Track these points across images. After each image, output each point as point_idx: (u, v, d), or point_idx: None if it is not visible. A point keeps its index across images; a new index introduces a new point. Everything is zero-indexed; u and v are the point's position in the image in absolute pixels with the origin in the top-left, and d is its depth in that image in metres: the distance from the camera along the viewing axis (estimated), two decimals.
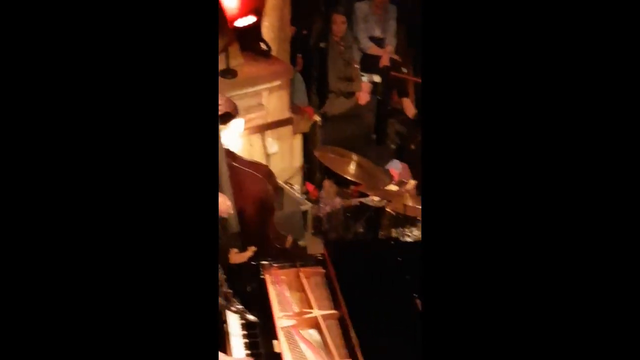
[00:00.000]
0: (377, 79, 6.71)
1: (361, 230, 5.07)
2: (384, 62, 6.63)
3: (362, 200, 5.32)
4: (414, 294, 2.99)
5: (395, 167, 6.00)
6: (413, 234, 4.78)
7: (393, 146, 6.70)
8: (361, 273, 3.20)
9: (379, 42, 6.77)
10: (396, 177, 5.70)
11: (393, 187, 5.17)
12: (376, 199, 5.09)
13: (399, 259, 3.24)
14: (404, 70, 6.83)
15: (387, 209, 4.89)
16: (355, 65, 6.64)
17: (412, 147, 6.55)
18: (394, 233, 4.80)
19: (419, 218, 4.81)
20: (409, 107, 6.86)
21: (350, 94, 6.56)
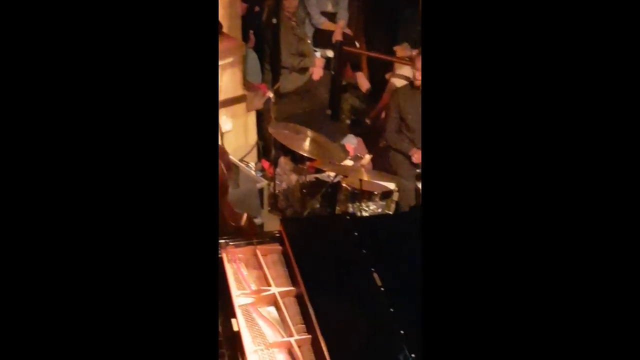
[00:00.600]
0: (330, 54, 6.67)
1: (317, 206, 5.06)
2: (337, 36, 6.59)
3: (318, 176, 5.30)
4: (372, 268, 2.98)
5: (351, 142, 5.99)
6: (370, 209, 4.79)
7: (348, 121, 6.68)
8: (318, 249, 3.18)
9: (331, 16, 6.72)
10: (352, 152, 5.69)
11: (349, 162, 5.16)
12: (332, 174, 5.08)
13: (355, 233, 3.22)
14: (357, 44, 6.80)
15: (343, 184, 4.88)
16: (308, 41, 6.59)
17: (367, 121, 6.55)
18: (350, 208, 4.80)
19: (375, 192, 4.81)
20: (363, 82, 6.85)
21: (304, 70, 6.51)
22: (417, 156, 5.21)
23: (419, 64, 5.17)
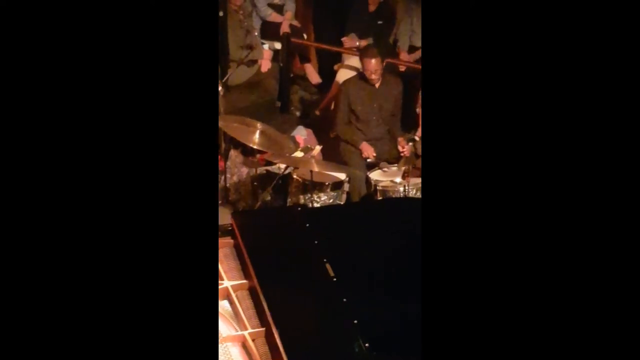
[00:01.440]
0: (278, 46, 6.64)
1: (269, 198, 5.04)
2: (284, 28, 6.56)
3: (269, 168, 5.28)
4: (324, 259, 2.97)
5: (301, 133, 5.98)
6: (321, 200, 4.79)
7: (297, 113, 6.67)
8: (270, 241, 3.16)
9: (278, 8, 6.68)
10: (302, 144, 5.68)
11: (299, 154, 5.15)
12: (282, 166, 5.06)
13: (307, 225, 3.21)
14: (305, 36, 6.78)
15: (294, 176, 4.87)
16: (256, 33, 6.54)
17: (317, 112, 6.54)
18: (302, 199, 4.79)
19: (326, 183, 4.82)
20: (312, 73, 6.84)
21: (252, 62, 6.47)
22: (367, 151, 5.23)
23: (369, 56, 5.16)
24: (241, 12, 6.39)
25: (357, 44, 6.37)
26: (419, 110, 6.00)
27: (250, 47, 6.42)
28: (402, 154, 5.07)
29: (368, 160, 5.25)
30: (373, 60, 5.15)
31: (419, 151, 5.09)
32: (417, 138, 5.17)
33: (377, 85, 5.27)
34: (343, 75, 6.17)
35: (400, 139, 5.22)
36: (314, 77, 6.83)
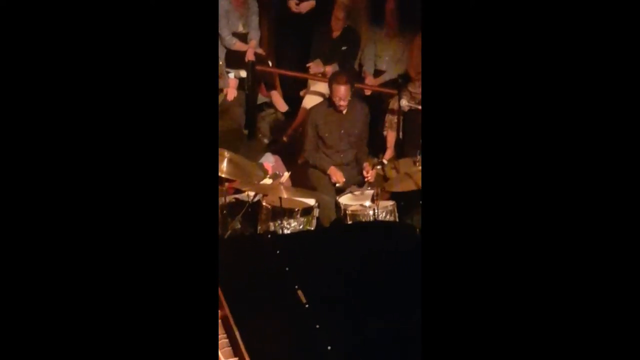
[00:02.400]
0: (243, 74, 6.64)
1: (239, 226, 5.01)
2: (249, 56, 6.57)
3: (238, 196, 5.26)
4: (296, 286, 2.95)
5: (269, 160, 5.97)
6: (291, 226, 4.77)
7: (265, 140, 6.66)
8: (241, 270, 3.15)
9: (242, 37, 6.69)
10: (270, 171, 5.67)
11: (267, 181, 5.14)
12: (252, 193, 5.04)
13: (278, 252, 3.20)
14: (270, 63, 6.80)
15: (264, 203, 4.85)
16: (220, 62, 6.54)
17: (284, 139, 6.54)
18: (272, 226, 4.77)
19: (296, 209, 4.80)
20: (278, 101, 6.85)
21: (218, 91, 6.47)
22: (336, 176, 5.23)
23: (339, 82, 5.15)
24: None
25: (323, 69, 6.40)
26: (385, 133, 6.05)
27: None
28: (366, 179, 5.07)
29: (337, 185, 5.25)
30: (342, 87, 5.14)
31: (388, 174, 5.11)
32: (385, 161, 5.21)
33: (344, 111, 5.28)
34: (309, 101, 6.19)
35: (365, 164, 5.21)
36: (281, 105, 6.84)
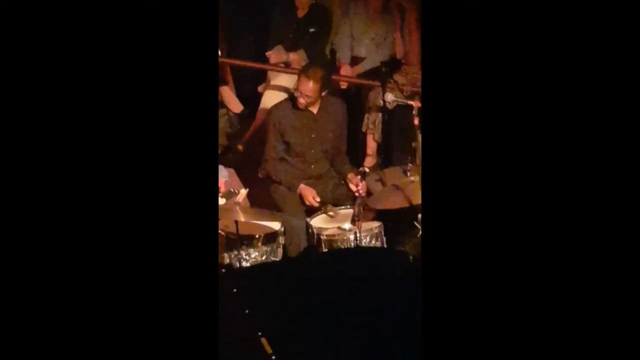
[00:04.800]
0: None
1: None
2: None
3: None
4: (259, 333, 2.93)
5: (221, 175, 5.92)
6: (251, 257, 4.75)
7: None
8: None
9: None
10: (222, 188, 5.61)
11: (220, 201, 5.10)
12: None
13: (234, 290, 3.19)
14: (219, 53, 6.78)
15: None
16: None
17: (239, 148, 6.52)
18: (226, 259, 4.74)
19: (257, 235, 4.77)
20: (230, 99, 6.79)
21: None
22: (308, 196, 5.16)
23: (308, 76, 5.11)
24: None
25: (285, 58, 6.38)
26: (365, 129, 5.98)
27: None
28: (356, 194, 4.78)
29: (313, 207, 5.18)
30: (310, 83, 5.10)
31: (370, 187, 5.07)
32: (366, 169, 5.06)
33: (314, 110, 5.25)
34: (270, 98, 6.17)
35: (350, 176, 5.17)
36: (234, 104, 6.80)
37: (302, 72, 5.20)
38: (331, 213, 4.98)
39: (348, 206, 4.99)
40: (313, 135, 5.30)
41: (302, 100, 5.14)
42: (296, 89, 5.18)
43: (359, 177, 4.86)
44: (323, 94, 5.20)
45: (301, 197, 5.23)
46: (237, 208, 4.62)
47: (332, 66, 6.38)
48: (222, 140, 6.64)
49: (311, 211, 5.14)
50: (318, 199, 5.18)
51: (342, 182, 5.31)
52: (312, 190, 5.22)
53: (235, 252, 4.71)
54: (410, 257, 3.75)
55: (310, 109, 5.23)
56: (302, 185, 5.25)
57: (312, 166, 5.34)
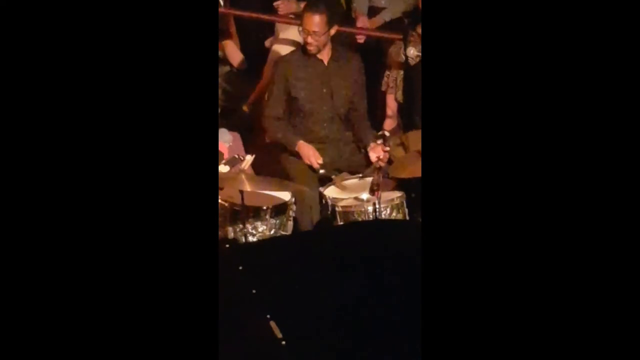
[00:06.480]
0: None
1: None
2: None
3: None
4: (267, 316, 2.96)
5: (224, 139, 5.91)
6: (258, 231, 4.76)
7: (218, 110, 6.63)
8: None
9: None
10: (226, 154, 5.60)
11: (223, 168, 5.10)
12: None
13: (240, 268, 3.21)
14: (221, 3, 6.78)
15: (220, 200, 4.83)
16: None
17: (245, 109, 6.51)
18: (231, 233, 4.76)
19: (264, 207, 4.79)
20: (234, 54, 6.78)
21: None
22: (308, 155, 5.13)
23: (312, 11, 5.07)
24: None
25: (296, 8, 6.37)
26: (385, 88, 5.96)
27: None
28: (377, 165, 4.70)
29: (322, 171, 5.15)
30: (317, 17, 5.06)
31: (390, 153, 5.00)
32: (387, 133, 4.96)
33: (325, 61, 5.22)
34: (279, 54, 6.16)
35: (372, 145, 5.08)
36: (235, 57, 6.75)
37: (307, 9, 5.14)
38: (348, 181, 4.96)
39: (363, 175, 4.97)
40: (324, 90, 5.24)
41: (310, 40, 5.08)
42: (302, 29, 5.13)
43: (380, 142, 4.81)
44: (332, 31, 5.17)
45: (303, 160, 5.20)
46: (242, 176, 4.62)
47: (347, 18, 6.36)
48: (226, 101, 6.63)
49: (325, 180, 5.12)
50: (320, 160, 5.16)
51: (363, 150, 5.26)
52: (312, 148, 5.19)
53: (241, 226, 4.72)
54: None
55: (320, 57, 5.19)
56: (300, 142, 5.21)
57: (325, 125, 5.28)
